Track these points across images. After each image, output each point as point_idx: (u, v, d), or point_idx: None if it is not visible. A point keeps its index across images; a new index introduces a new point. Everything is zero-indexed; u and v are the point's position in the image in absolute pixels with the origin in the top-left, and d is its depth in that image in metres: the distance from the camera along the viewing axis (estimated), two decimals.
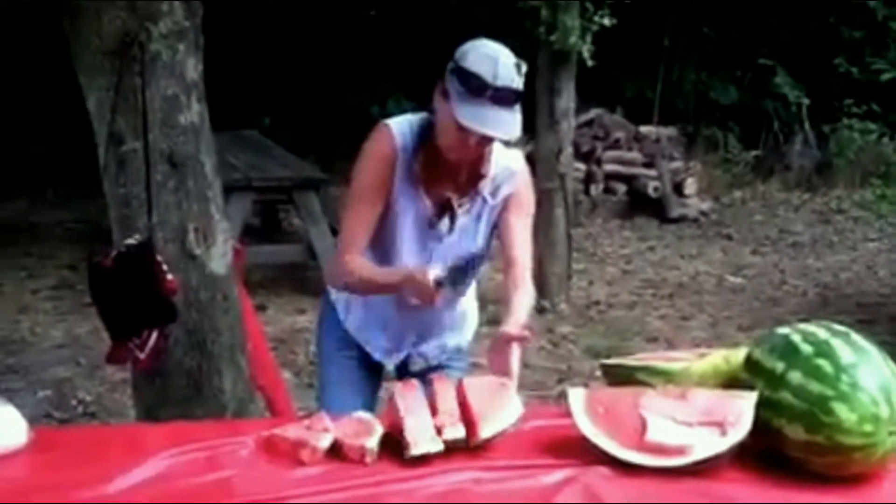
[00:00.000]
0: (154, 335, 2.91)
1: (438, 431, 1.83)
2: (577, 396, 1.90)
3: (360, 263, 2.41)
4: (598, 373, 2.44)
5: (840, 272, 7.74)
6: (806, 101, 10.89)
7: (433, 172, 2.39)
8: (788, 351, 1.80)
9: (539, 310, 6.43)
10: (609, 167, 9.80)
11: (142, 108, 2.98)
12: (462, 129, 2.24)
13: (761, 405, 1.78)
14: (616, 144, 9.86)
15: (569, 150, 6.64)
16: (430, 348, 2.66)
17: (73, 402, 4.74)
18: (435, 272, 2.24)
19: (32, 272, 7.53)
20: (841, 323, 1.91)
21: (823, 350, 1.76)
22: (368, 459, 1.80)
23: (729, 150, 10.95)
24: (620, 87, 10.65)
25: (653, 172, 9.72)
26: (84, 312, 5.75)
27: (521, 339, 2.23)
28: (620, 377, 2.08)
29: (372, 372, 2.72)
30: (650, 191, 9.56)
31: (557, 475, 1.76)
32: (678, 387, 1.91)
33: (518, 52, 2.38)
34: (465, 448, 1.84)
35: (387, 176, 2.37)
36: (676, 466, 1.73)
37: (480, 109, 2.20)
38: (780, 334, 1.87)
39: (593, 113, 9.81)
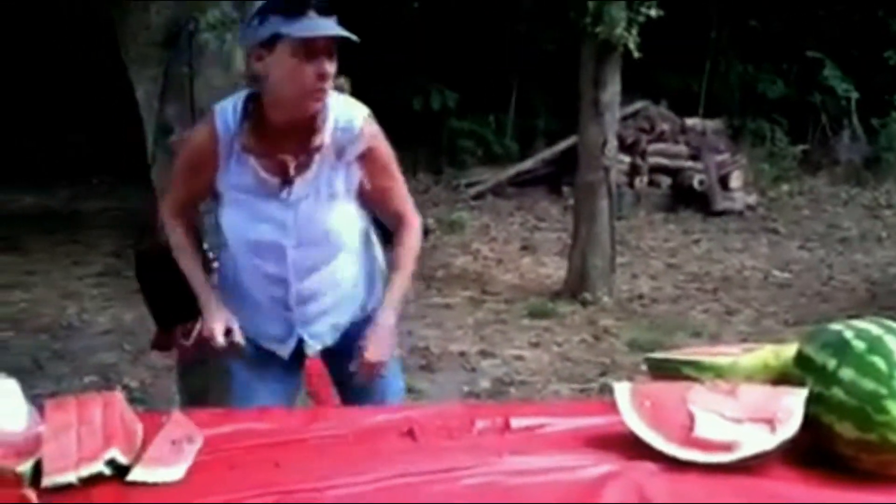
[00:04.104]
0: (199, 323, 2.92)
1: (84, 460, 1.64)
2: (623, 391, 1.88)
3: (179, 240, 2.53)
4: (642, 366, 2.42)
5: (888, 268, 7.63)
6: (855, 95, 10.74)
7: (265, 142, 2.37)
8: (841, 347, 1.77)
9: (582, 302, 6.41)
10: (654, 160, 9.74)
11: (189, 97, 3.00)
12: (303, 60, 2.25)
13: (811, 402, 1.74)
14: (661, 137, 9.79)
15: (613, 142, 6.60)
16: (320, 329, 2.56)
17: (119, 388, 4.80)
18: (224, 328, 2.40)
19: (78, 259, 7.63)
20: (890, 319, 1.87)
21: (877, 347, 1.72)
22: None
23: (776, 144, 10.84)
24: (666, 79, 10.56)
25: (698, 165, 9.65)
26: (129, 299, 5.83)
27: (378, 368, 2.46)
28: (666, 371, 2.05)
29: (277, 362, 2.59)
30: (695, 184, 9.48)
31: (601, 469, 1.74)
32: (727, 382, 1.88)
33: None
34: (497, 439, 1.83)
35: (199, 164, 2.41)
36: (724, 463, 1.70)
37: (310, 22, 2.24)
38: (832, 330, 1.84)
39: (638, 105, 9.75)
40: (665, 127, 9.80)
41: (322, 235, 2.44)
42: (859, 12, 11.10)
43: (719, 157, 9.74)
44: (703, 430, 1.74)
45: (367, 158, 2.43)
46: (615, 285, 6.69)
